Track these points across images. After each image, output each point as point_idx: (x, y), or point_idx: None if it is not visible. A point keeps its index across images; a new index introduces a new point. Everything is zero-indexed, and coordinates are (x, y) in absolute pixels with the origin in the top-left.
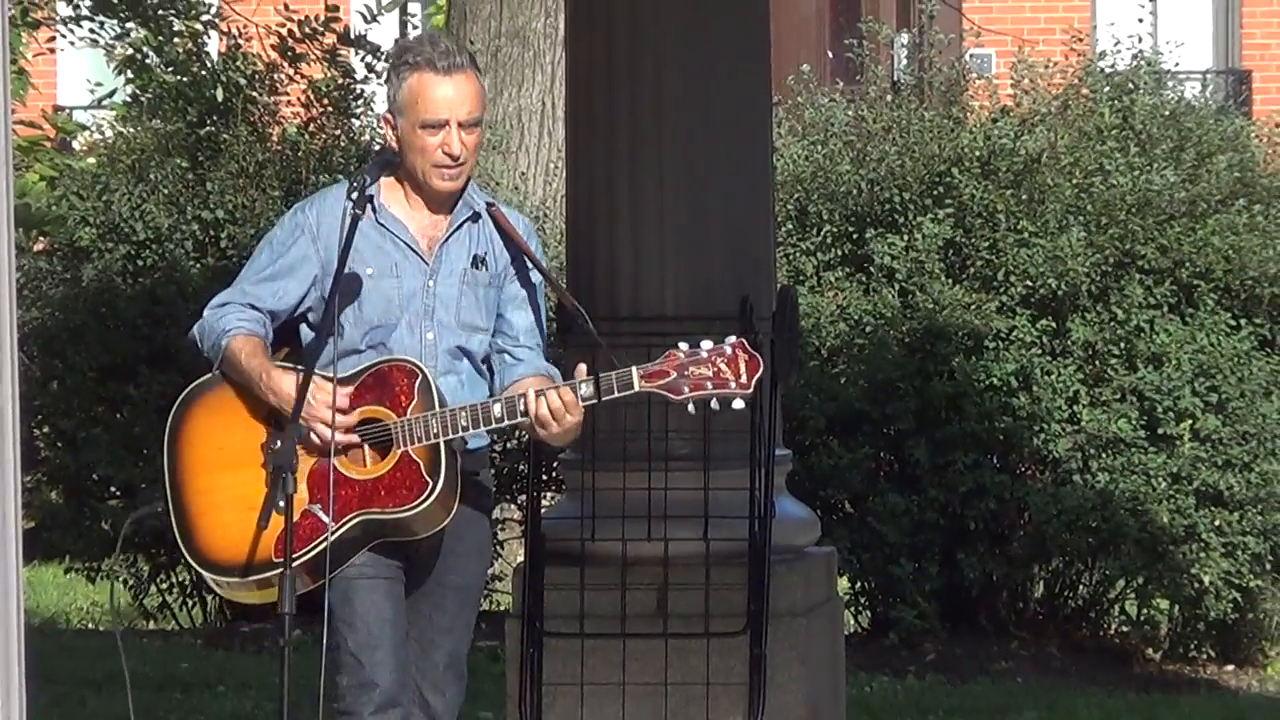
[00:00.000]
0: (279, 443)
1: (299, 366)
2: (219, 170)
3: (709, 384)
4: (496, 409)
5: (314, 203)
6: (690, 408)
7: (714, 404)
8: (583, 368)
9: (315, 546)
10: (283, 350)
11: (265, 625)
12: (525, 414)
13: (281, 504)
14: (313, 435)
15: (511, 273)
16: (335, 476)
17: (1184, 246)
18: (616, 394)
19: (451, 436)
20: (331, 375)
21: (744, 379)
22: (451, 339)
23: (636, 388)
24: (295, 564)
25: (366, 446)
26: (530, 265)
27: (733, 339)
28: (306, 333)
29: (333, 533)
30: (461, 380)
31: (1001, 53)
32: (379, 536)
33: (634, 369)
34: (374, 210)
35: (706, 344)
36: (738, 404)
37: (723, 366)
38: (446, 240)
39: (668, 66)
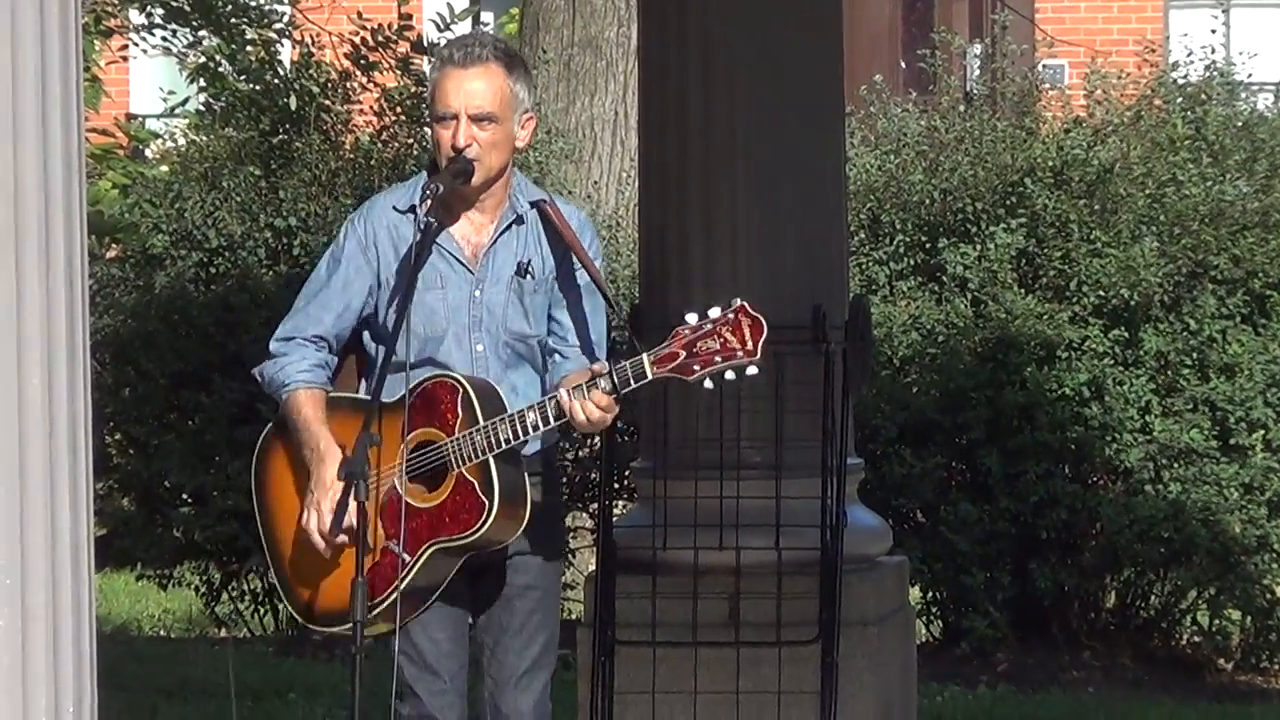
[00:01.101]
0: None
1: (359, 397)
2: (291, 178)
3: (718, 357)
4: (531, 416)
5: (363, 214)
6: (707, 383)
7: (729, 375)
8: (599, 365)
9: (399, 583)
10: (343, 373)
11: (337, 633)
12: (559, 417)
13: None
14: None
15: (562, 272)
16: (405, 509)
17: (1256, 257)
18: (634, 385)
19: (497, 451)
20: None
21: (750, 345)
22: (502, 348)
23: (650, 376)
24: (385, 605)
25: (430, 471)
26: (580, 264)
27: (738, 302)
28: (369, 341)
29: (411, 567)
30: (516, 388)
31: (1074, 64)
32: (469, 554)
33: (645, 356)
34: (417, 220)
35: (714, 312)
36: (751, 370)
37: (729, 336)
38: (492, 246)
39: (740, 76)
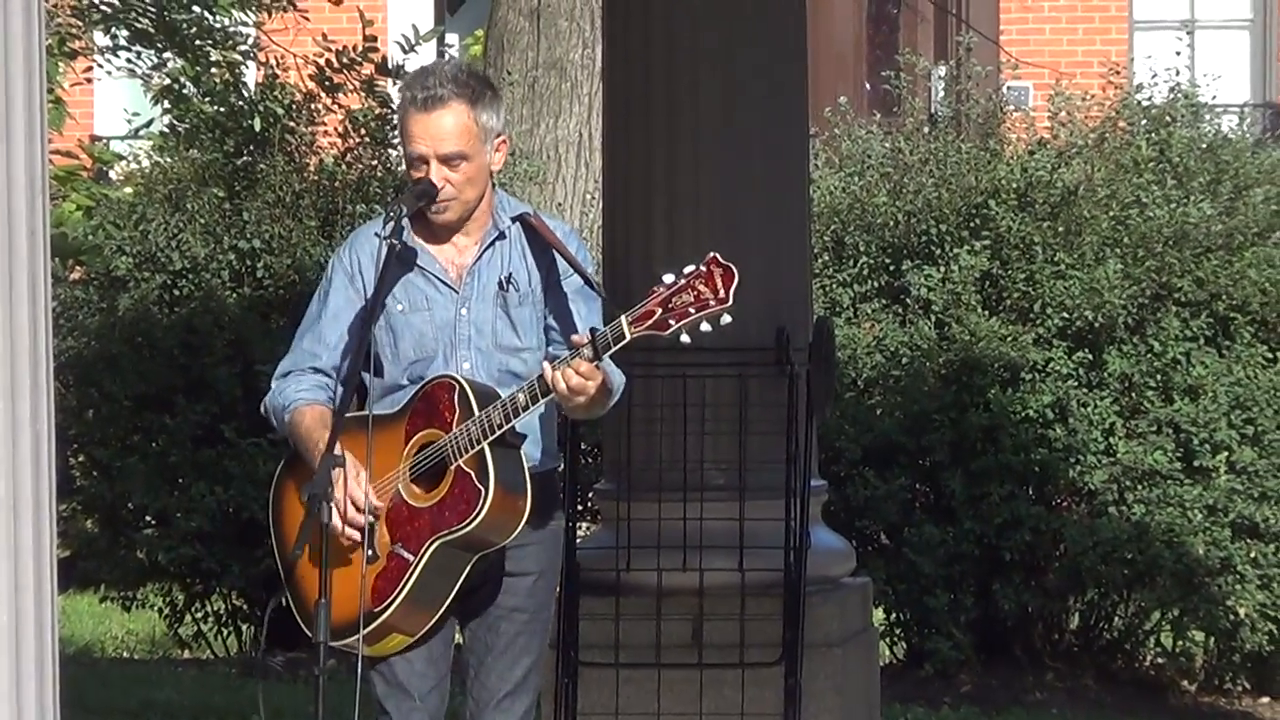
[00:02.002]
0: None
1: (362, 414)
2: (255, 200)
3: (691, 309)
4: (521, 397)
5: (349, 245)
6: (684, 338)
7: (705, 326)
8: (576, 336)
9: (405, 583)
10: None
11: (300, 655)
12: (546, 393)
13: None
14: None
15: (550, 282)
16: (406, 511)
17: (1220, 279)
18: (614, 347)
19: (493, 437)
20: (368, 430)
21: (722, 293)
22: (491, 364)
23: (628, 336)
24: (394, 607)
25: (433, 471)
26: (570, 266)
27: (709, 255)
28: (367, 376)
29: (415, 565)
30: None
31: (1039, 85)
32: (474, 553)
33: (623, 318)
34: (383, 244)
35: (688, 268)
36: (726, 319)
37: (702, 288)
38: (475, 265)
39: (704, 99)
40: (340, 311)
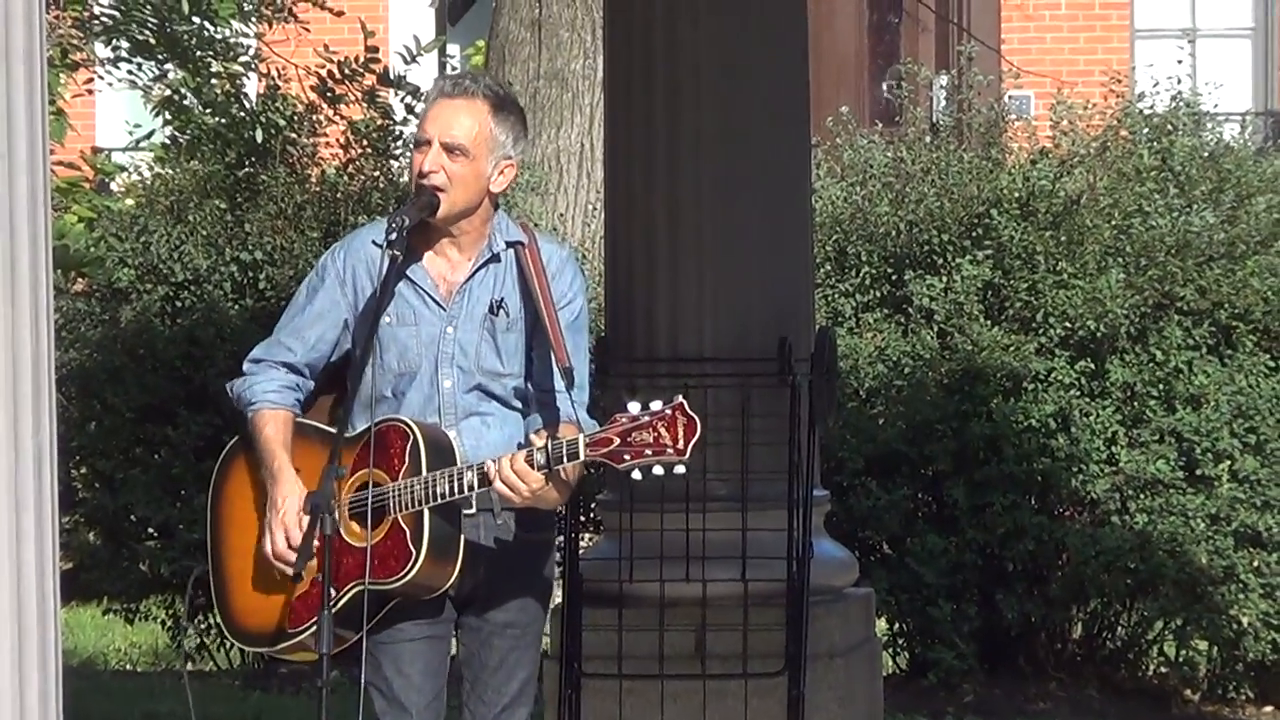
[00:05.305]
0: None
1: (325, 428)
2: (257, 211)
3: (648, 450)
4: (469, 476)
5: (344, 246)
6: (636, 474)
7: (657, 469)
8: (534, 437)
9: (319, 619)
10: (316, 401)
11: (303, 666)
12: (490, 482)
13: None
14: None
15: (538, 313)
16: (340, 544)
17: (1223, 288)
18: (566, 463)
19: (433, 504)
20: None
21: (680, 444)
22: (473, 385)
23: (582, 456)
24: (305, 634)
25: (370, 511)
26: (567, 301)
27: (677, 400)
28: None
29: (333, 603)
30: (487, 423)
31: (1040, 94)
32: (389, 601)
33: (581, 437)
34: (384, 254)
35: (656, 405)
36: (679, 469)
37: (662, 431)
38: (466, 284)
39: (706, 108)
40: (324, 313)
